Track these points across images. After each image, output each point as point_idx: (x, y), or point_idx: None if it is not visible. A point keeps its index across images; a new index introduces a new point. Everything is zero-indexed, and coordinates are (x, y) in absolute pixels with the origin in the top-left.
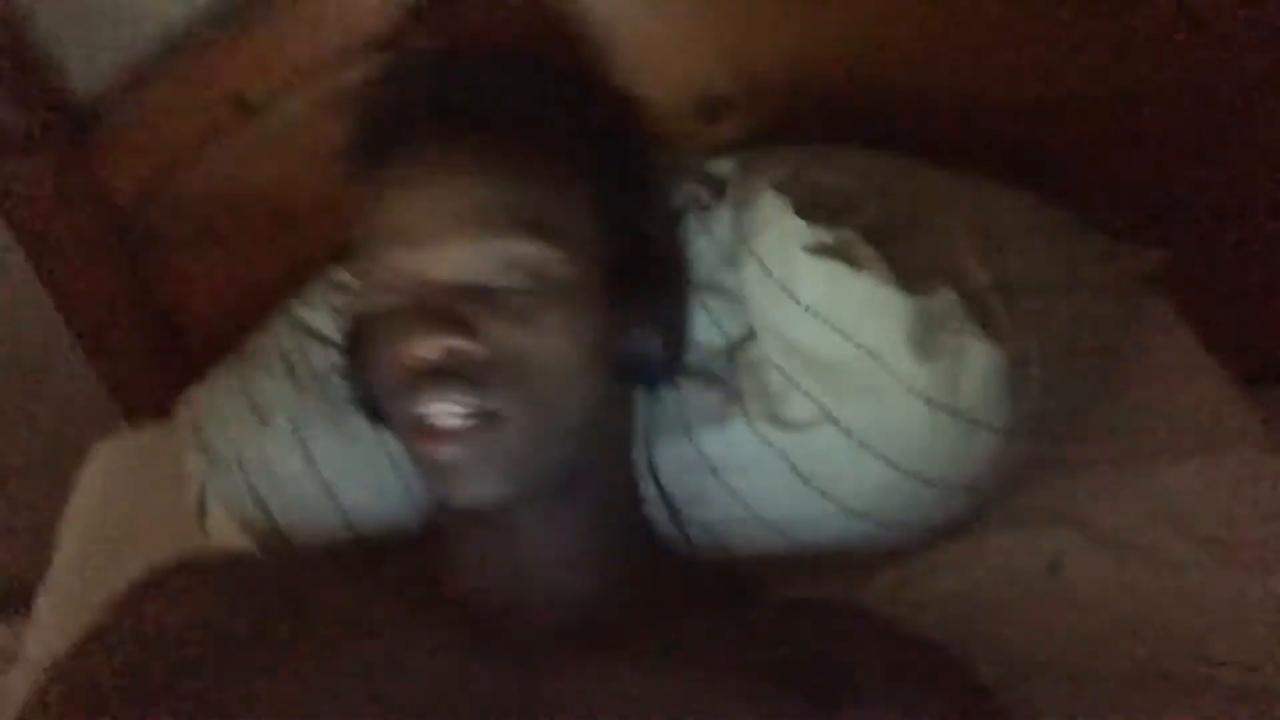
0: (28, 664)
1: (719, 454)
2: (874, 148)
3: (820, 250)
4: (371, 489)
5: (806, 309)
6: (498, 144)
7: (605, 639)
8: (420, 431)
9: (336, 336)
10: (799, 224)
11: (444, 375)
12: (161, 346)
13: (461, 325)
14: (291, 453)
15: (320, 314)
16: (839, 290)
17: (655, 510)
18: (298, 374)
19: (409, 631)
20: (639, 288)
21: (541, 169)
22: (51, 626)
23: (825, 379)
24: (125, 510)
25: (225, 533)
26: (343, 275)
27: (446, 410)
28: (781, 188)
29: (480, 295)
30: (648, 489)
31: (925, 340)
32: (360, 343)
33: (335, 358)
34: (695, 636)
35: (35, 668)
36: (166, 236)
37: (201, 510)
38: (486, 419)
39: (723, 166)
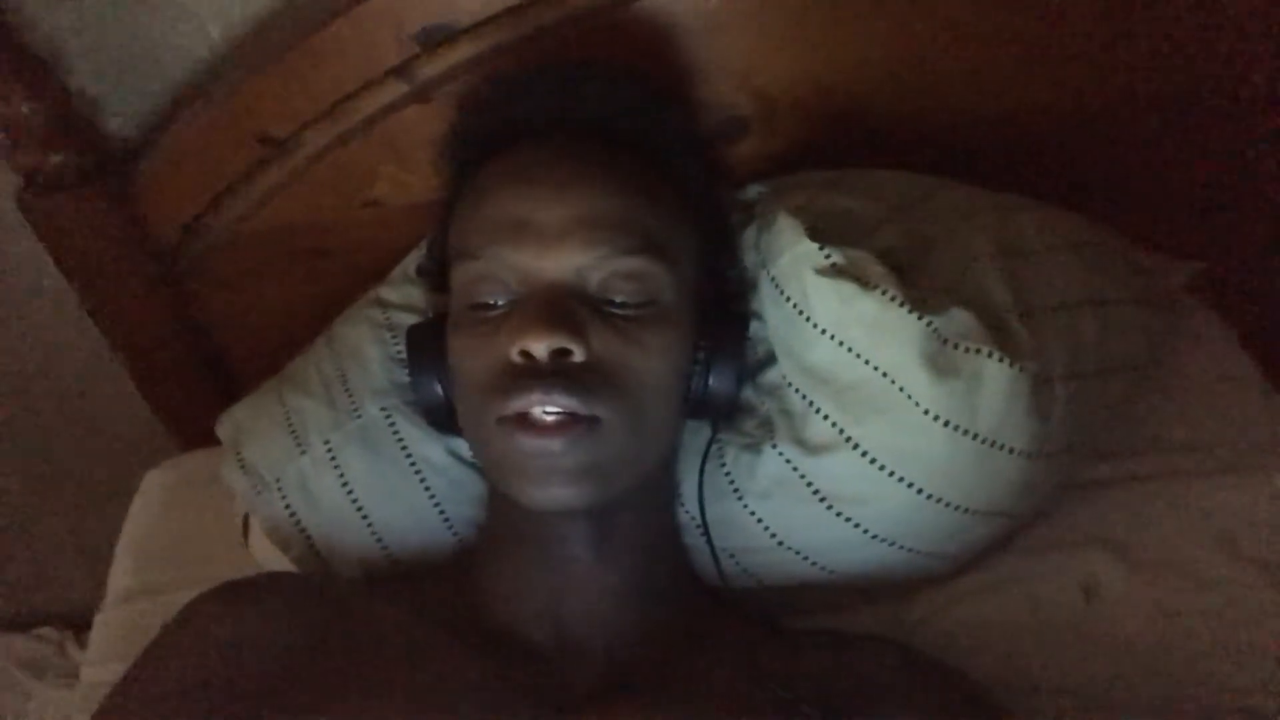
0: (84, 686)
1: (744, 479)
2: (896, 166)
3: (832, 271)
4: (405, 515)
5: (821, 331)
6: (625, 158)
7: (641, 676)
8: (519, 424)
9: (376, 353)
10: (811, 247)
11: (552, 374)
12: (207, 374)
13: (579, 328)
14: (327, 475)
15: (360, 331)
16: (850, 311)
17: (691, 537)
18: (334, 397)
19: (453, 663)
20: (723, 325)
21: (662, 190)
22: (107, 650)
23: (842, 401)
24: (178, 533)
25: (268, 552)
26: (383, 293)
27: (553, 407)
28: (797, 212)
29: (592, 302)
30: (682, 514)
31: (940, 360)
32: (432, 339)
33: (375, 380)
34: (724, 675)
35: (92, 690)
36: (208, 268)
37: (245, 529)
38: (584, 423)
39: (751, 192)
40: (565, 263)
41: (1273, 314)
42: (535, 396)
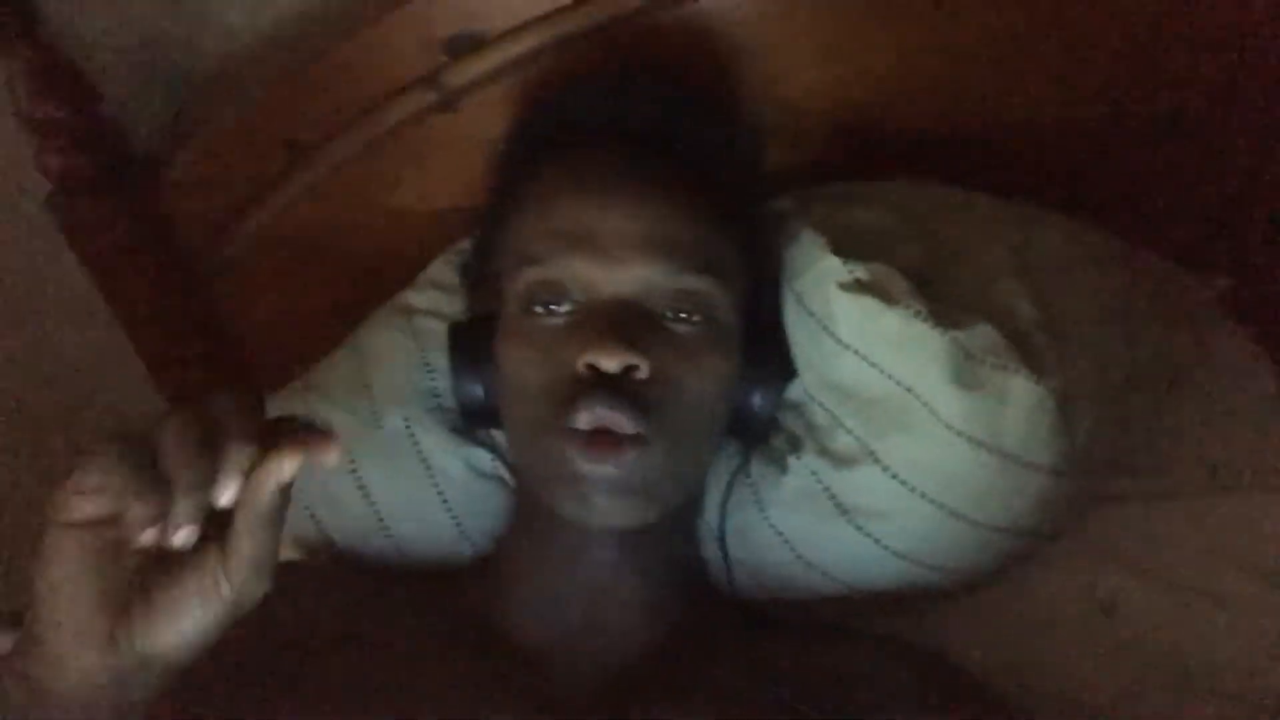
0: None
1: (768, 490)
2: (920, 178)
3: (856, 287)
4: (423, 526)
5: (845, 345)
6: (690, 177)
7: (648, 682)
8: (576, 438)
9: (400, 360)
10: (834, 261)
11: (616, 389)
12: (231, 378)
13: (646, 345)
14: (348, 485)
15: (384, 337)
16: (874, 326)
17: (707, 548)
18: (357, 405)
19: (462, 668)
20: (765, 345)
21: (722, 211)
22: None
23: (866, 416)
24: None
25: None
26: (409, 299)
27: (616, 423)
28: (819, 226)
29: (654, 319)
30: (702, 525)
31: (964, 376)
32: (476, 339)
33: (398, 388)
34: (729, 679)
35: None
36: (233, 272)
37: None
38: (638, 442)
39: (780, 205)
40: (633, 277)
41: None
42: (600, 411)
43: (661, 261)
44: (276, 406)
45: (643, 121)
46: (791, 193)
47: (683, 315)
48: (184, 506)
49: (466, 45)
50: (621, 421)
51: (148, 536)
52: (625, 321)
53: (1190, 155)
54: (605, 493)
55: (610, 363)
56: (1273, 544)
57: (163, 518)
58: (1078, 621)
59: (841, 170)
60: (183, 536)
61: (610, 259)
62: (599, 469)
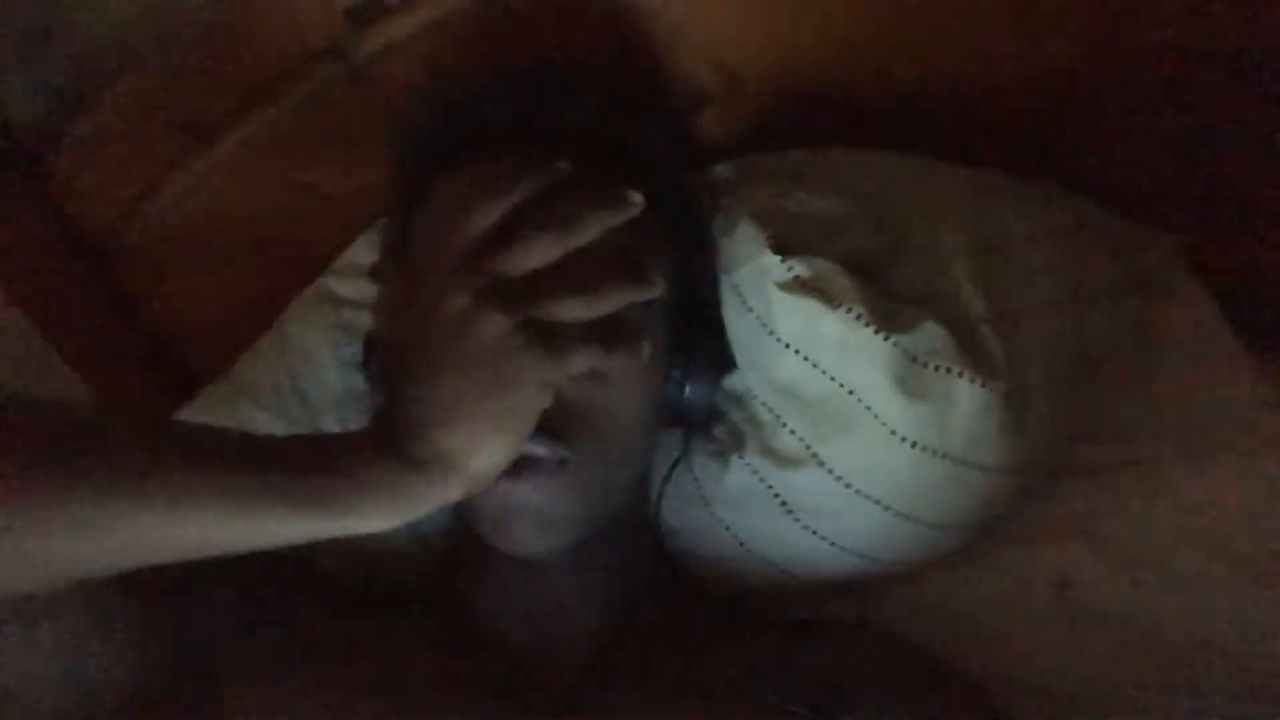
0: None
1: (712, 486)
2: (870, 140)
3: (795, 286)
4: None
5: (786, 346)
6: (589, 173)
7: (624, 679)
8: None
9: (330, 358)
10: (773, 260)
11: None
12: (156, 364)
13: None
14: None
15: (311, 332)
16: (815, 328)
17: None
18: (288, 408)
19: (429, 666)
20: (698, 335)
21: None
22: None
23: (809, 417)
24: None
25: None
26: (333, 286)
27: (528, 450)
28: (760, 216)
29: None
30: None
31: (908, 382)
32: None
33: (330, 388)
34: (708, 676)
35: None
36: (143, 259)
37: None
38: (552, 467)
39: (723, 172)
40: None
41: (1259, 286)
42: None
43: None
44: (202, 409)
45: (542, 122)
46: (731, 161)
47: None
48: None
49: (368, 14)
50: (533, 449)
51: None
52: None
53: (1146, 110)
54: (523, 521)
55: None
56: (1230, 517)
57: None
58: (1031, 599)
59: (785, 133)
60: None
61: None
62: (515, 498)
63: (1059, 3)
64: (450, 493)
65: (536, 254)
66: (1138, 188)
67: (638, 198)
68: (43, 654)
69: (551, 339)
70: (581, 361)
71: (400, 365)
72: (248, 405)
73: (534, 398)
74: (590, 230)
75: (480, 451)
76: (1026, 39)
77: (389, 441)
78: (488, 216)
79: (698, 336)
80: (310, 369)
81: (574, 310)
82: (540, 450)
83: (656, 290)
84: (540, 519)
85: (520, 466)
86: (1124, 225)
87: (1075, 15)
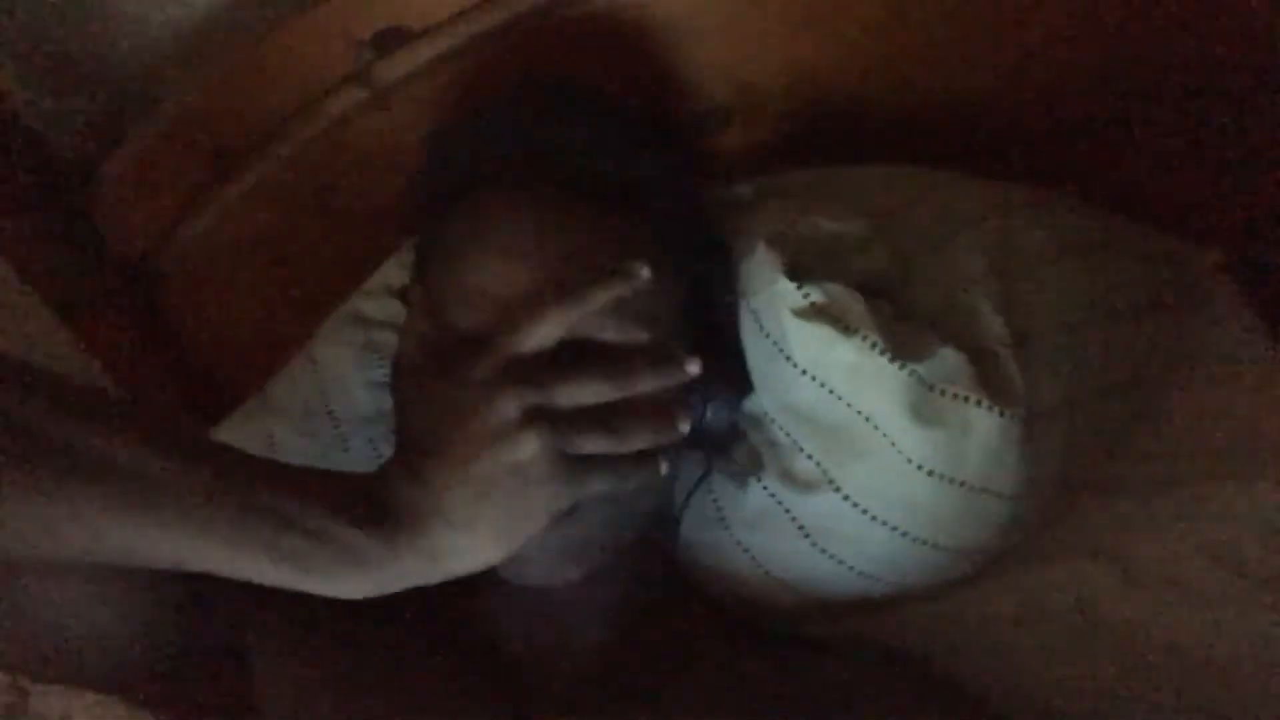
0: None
1: (730, 507)
2: (890, 157)
3: (810, 312)
4: None
5: (802, 371)
6: (596, 209)
7: (631, 695)
8: None
9: (359, 379)
10: (789, 287)
11: None
12: (189, 389)
13: None
14: None
15: (341, 353)
16: (830, 355)
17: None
18: (318, 428)
19: (427, 673)
20: (716, 361)
21: (639, 235)
22: None
23: (825, 442)
24: None
25: None
26: (362, 307)
27: None
28: (776, 240)
29: None
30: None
31: (924, 410)
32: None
33: (360, 408)
34: (712, 690)
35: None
36: (177, 282)
37: None
38: (568, 512)
39: (741, 191)
40: (535, 338)
41: None
42: None
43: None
44: (234, 429)
45: (550, 158)
46: (751, 179)
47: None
48: None
49: (393, 41)
50: None
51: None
52: None
53: (1172, 126)
54: (536, 560)
55: None
56: (1257, 539)
57: None
58: (1052, 619)
59: (805, 150)
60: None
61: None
62: (529, 547)
63: (1077, 15)
64: (431, 580)
65: (591, 394)
66: (1171, 199)
67: (694, 369)
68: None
69: (576, 466)
70: (600, 489)
71: (420, 439)
72: (279, 426)
73: (543, 518)
74: (645, 384)
75: (477, 556)
76: (1047, 51)
77: (385, 517)
78: (550, 328)
79: (719, 358)
80: (340, 389)
81: (603, 447)
82: None
83: (681, 429)
84: (555, 556)
85: None
86: (1155, 239)
87: (1097, 26)
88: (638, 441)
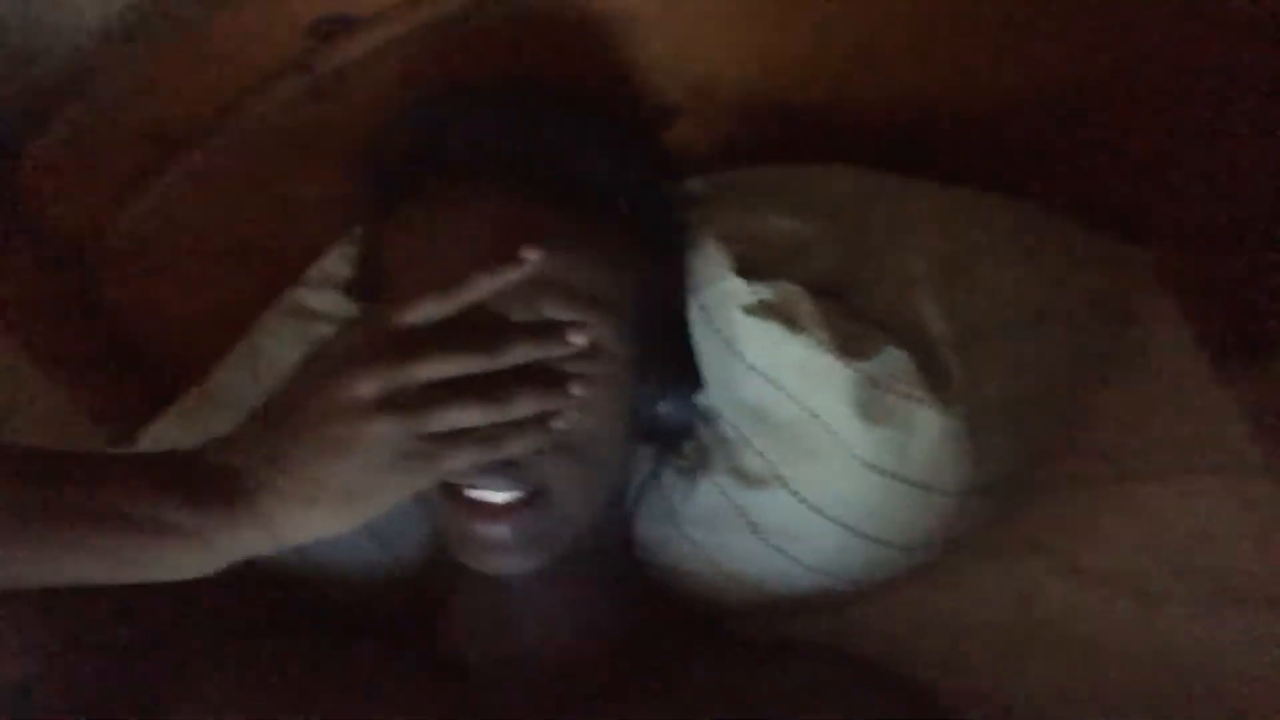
0: None
1: (681, 503)
2: (843, 153)
3: (760, 310)
4: (343, 549)
5: (751, 368)
6: (553, 204)
7: (598, 696)
8: (464, 508)
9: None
10: (738, 283)
11: None
12: (130, 370)
13: None
14: None
15: (284, 347)
16: (779, 352)
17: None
18: None
19: (392, 683)
20: (671, 353)
21: (596, 232)
22: None
23: (775, 439)
24: None
25: None
26: (305, 299)
27: (496, 489)
28: (728, 238)
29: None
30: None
31: (870, 408)
32: None
33: None
34: (677, 691)
35: None
36: (118, 266)
37: None
38: (532, 495)
39: (695, 188)
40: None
41: (1227, 302)
42: (480, 476)
43: (526, 309)
44: (176, 420)
45: (505, 152)
46: (703, 177)
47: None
48: None
49: (337, 28)
50: (500, 485)
51: None
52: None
53: (1120, 125)
54: (499, 549)
55: None
56: (1201, 536)
57: None
58: (997, 616)
59: (757, 146)
60: None
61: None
62: (490, 530)
63: (1038, 18)
64: (267, 549)
65: (456, 368)
66: (1130, 202)
67: (579, 339)
68: None
69: (434, 445)
70: (470, 460)
71: (271, 409)
72: (218, 417)
73: (393, 496)
74: (519, 355)
75: (312, 527)
76: (998, 50)
77: (218, 489)
78: (429, 308)
79: (673, 351)
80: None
81: (472, 420)
82: (509, 497)
83: (575, 392)
84: (518, 544)
85: (497, 513)
86: (1098, 243)
87: (1062, 28)
88: (520, 409)
